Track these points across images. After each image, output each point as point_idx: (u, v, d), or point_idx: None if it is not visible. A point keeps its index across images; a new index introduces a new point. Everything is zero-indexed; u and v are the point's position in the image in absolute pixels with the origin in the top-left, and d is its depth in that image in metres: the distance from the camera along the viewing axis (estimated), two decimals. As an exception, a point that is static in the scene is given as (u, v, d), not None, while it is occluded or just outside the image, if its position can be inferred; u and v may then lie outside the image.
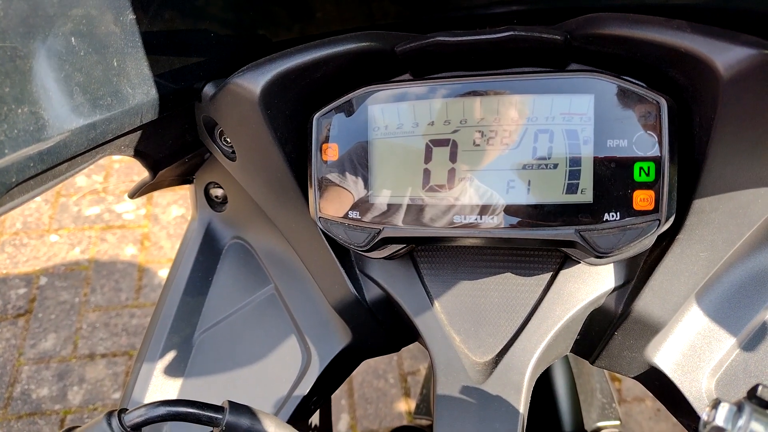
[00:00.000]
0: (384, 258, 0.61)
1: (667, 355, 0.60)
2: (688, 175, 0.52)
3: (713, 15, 0.51)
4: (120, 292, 2.51)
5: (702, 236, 0.54)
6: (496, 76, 0.54)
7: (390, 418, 2.14)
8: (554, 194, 0.52)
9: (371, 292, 0.66)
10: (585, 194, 0.51)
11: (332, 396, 0.83)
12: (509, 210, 0.53)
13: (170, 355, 0.73)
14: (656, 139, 0.49)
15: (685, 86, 0.50)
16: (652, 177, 0.49)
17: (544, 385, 1.04)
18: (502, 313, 0.60)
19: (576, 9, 0.54)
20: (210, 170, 0.77)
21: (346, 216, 0.58)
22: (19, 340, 2.37)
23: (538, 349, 0.58)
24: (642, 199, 0.50)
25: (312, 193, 0.60)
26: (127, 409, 0.49)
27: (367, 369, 2.25)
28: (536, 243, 0.55)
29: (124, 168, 2.96)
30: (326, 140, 0.58)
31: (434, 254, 0.63)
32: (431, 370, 0.62)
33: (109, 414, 0.48)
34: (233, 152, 0.65)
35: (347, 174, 0.58)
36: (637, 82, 0.51)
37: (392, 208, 0.57)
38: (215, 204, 0.79)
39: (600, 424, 1.07)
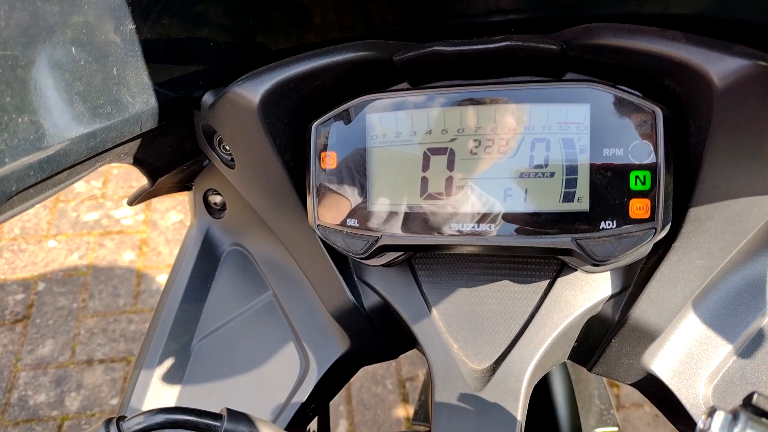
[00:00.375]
0: (382, 265, 0.62)
1: (664, 362, 0.60)
2: (684, 184, 0.52)
3: (708, 26, 0.51)
4: (118, 297, 2.50)
5: (698, 244, 0.54)
6: (494, 85, 0.55)
7: (388, 425, 2.14)
8: (551, 202, 0.52)
9: (369, 300, 0.66)
10: (581, 202, 0.51)
11: (330, 402, 0.83)
12: (506, 218, 0.54)
13: (168, 362, 0.73)
14: (652, 147, 0.49)
15: (680, 96, 0.50)
16: (648, 185, 0.50)
17: (542, 391, 1.04)
18: (500, 320, 0.61)
19: (572, 18, 0.54)
20: (209, 177, 0.77)
21: (344, 223, 0.59)
22: (16, 346, 2.36)
23: (536, 356, 0.58)
24: (638, 208, 0.50)
25: (310, 201, 0.60)
26: (125, 417, 0.49)
27: (365, 375, 2.25)
28: (533, 251, 0.55)
29: (123, 174, 2.96)
30: (324, 148, 0.59)
31: (432, 262, 0.64)
32: (429, 377, 0.62)
33: (108, 421, 0.48)
34: (232, 160, 0.66)
35: (345, 182, 0.58)
36: (632, 91, 0.51)
37: (390, 215, 0.57)
38: (214, 211, 0.80)
39: (598, 430, 1.06)
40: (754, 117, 0.47)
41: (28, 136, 0.43)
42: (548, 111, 0.52)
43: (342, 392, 2.21)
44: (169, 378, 0.73)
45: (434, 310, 0.62)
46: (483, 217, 0.54)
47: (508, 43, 0.52)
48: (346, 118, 0.58)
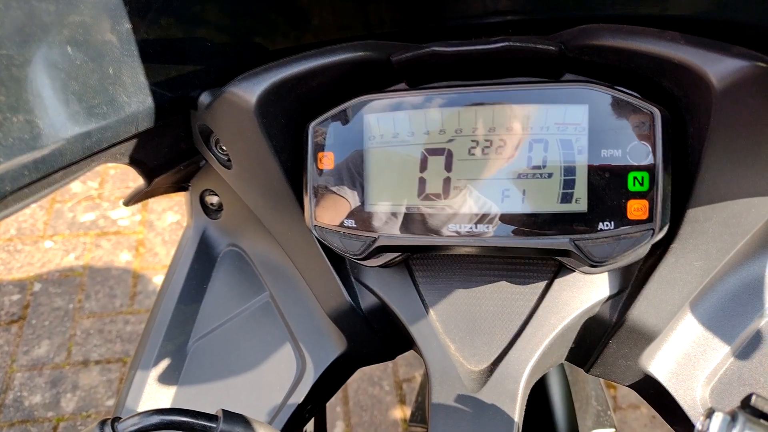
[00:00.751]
0: (379, 266, 0.61)
1: (661, 363, 0.60)
2: (682, 185, 0.52)
3: (706, 27, 0.51)
4: (114, 298, 2.50)
5: (696, 245, 0.54)
6: (492, 86, 0.55)
7: (385, 426, 2.14)
8: (549, 203, 0.52)
9: (366, 300, 0.66)
10: (579, 203, 0.51)
11: (327, 403, 0.83)
12: (504, 219, 0.53)
13: (164, 363, 0.73)
14: (650, 149, 0.49)
15: (678, 97, 0.50)
16: (646, 186, 0.50)
17: (539, 392, 1.04)
18: (498, 321, 0.60)
19: (571, 20, 0.54)
20: (205, 178, 0.77)
21: (341, 224, 0.58)
22: (12, 347, 2.36)
23: (533, 357, 0.58)
24: (636, 209, 0.50)
25: (307, 202, 0.60)
26: (120, 418, 0.49)
27: (362, 376, 2.25)
28: (531, 252, 0.55)
29: (120, 174, 2.95)
30: (322, 149, 0.59)
31: (430, 262, 0.64)
32: (426, 378, 0.62)
33: (102, 422, 0.48)
34: (229, 160, 0.65)
35: (343, 182, 0.58)
36: (631, 92, 0.51)
37: (388, 216, 0.57)
38: (210, 211, 0.79)
39: (595, 431, 1.06)
40: (753, 118, 0.47)
41: (23, 136, 0.43)
42: (546, 112, 0.52)
43: (339, 393, 2.20)
44: (165, 379, 0.72)
45: (431, 311, 0.62)
46: (481, 218, 0.54)
47: (506, 43, 0.52)
48: (343, 118, 0.58)
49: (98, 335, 2.39)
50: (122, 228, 2.74)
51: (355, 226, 0.58)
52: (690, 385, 0.59)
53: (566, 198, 0.52)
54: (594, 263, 0.52)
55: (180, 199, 2.81)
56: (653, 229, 0.50)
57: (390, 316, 0.65)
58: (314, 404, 0.72)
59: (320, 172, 0.59)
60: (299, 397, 0.68)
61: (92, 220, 2.77)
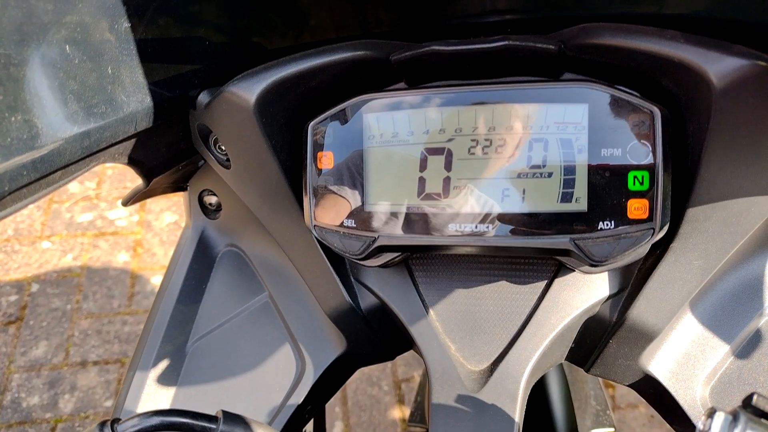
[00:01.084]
0: (379, 266, 0.61)
1: (661, 363, 0.60)
2: (682, 184, 0.52)
3: (706, 26, 0.51)
4: (112, 299, 2.49)
5: (696, 245, 0.54)
6: (491, 85, 0.55)
7: (384, 426, 2.14)
8: (549, 203, 0.52)
9: (366, 300, 0.66)
10: (579, 203, 0.51)
11: (326, 404, 0.82)
12: (504, 218, 0.53)
13: (163, 364, 0.73)
14: (650, 148, 0.49)
15: (678, 96, 0.50)
16: (646, 186, 0.49)
17: (538, 392, 1.04)
18: (498, 321, 0.60)
19: (570, 19, 0.54)
20: (204, 178, 0.76)
21: (341, 224, 0.58)
22: (9, 348, 2.35)
23: (534, 357, 0.58)
24: (636, 208, 0.50)
25: (307, 201, 0.60)
26: (119, 419, 0.49)
27: (361, 376, 2.24)
28: (531, 251, 0.55)
29: (117, 174, 2.95)
30: (321, 148, 0.58)
31: (429, 262, 0.63)
32: (426, 378, 0.62)
33: (102, 424, 0.48)
34: (228, 160, 0.65)
35: (342, 182, 0.58)
36: (630, 91, 0.51)
37: (387, 216, 0.57)
38: (209, 211, 0.79)
39: (594, 431, 1.06)
40: (753, 117, 0.47)
41: (21, 136, 0.42)
42: (546, 111, 0.52)
43: (337, 394, 2.20)
44: (164, 380, 0.72)
45: (431, 311, 0.62)
46: (481, 218, 0.54)
47: (505, 42, 0.52)
48: (342, 117, 0.58)
49: (96, 336, 2.38)
50: (120, 228, 2.74)
51: (354, 225, 0.58)
52: (690, 384, 0.59)
53: (566, 197, 0.52)
54: (594, 263, 0.52)
55: (178, 199, 2.80)
56: (653, 229, 0.50)
57: (390, 316, 0.65)
58: (314, 405, 0.72)
59: (320, 171, 0.59)
60: (299, 397, 0.68)
61: (90, 221, 2.76)
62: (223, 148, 0.65)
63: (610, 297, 0.59)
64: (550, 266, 0.60)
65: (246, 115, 0.57)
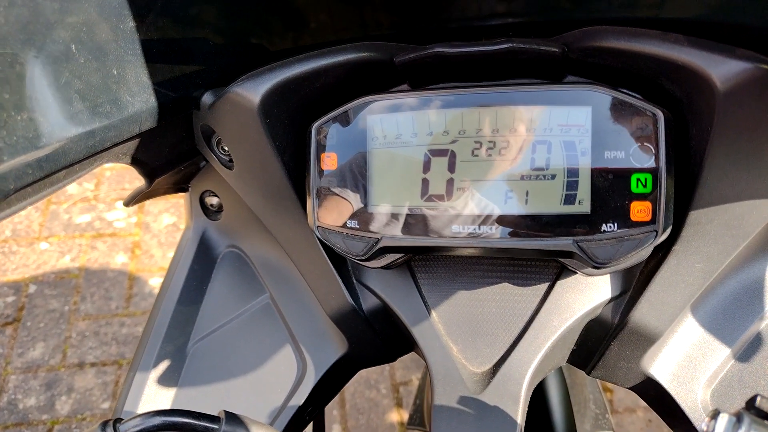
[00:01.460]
0: (381, 267, 0.61)
1: (663, 365, 0.60)
2: (685, 187, 0.53)
3: (709, 29, 0.51)
4: (110, 300, 2.49)
5: (698, 247, 0.54)
6: (495, 87, 0.55)
7: (382, 429, 2.13)
8: (552, 205, 0.52)
9: (368, 302, 0.66)
10: (583, 205, 0.51)
11: (325, 407, 0.82)
12: (507, 220, 0.53)
13: (164, 365, 0.73)
14: (653, 150, 0.49)
15: (681, 99, 0.51)
16: (649, 188, 0.50)
17: (538, 395, 1.04)
18: (500, 323, 0.60)
19: (572, 22, 0.54)
20: (206, 179, 0.76)
21: (344, 225, 0.58)
22: (6, 349, 2.34)
23: (536, 359, 0.58)
24: (639, 210, 0.50)
25: (310, 202, 0.60)
26: (122, 419, 0.48)
27: (359, 379, 2.24)
28: (534, 253, 0.55)
29: (116, 176, 2.94)
30: (324, 149, 0.59)
31: (432, 264, 0.63)
32: (428, 380, 0.62)
33: (104, 424, 0.47)
34: (230, 161, 0.65)
35: (346, 183, 0.58)
36: (634, 94, 0.51)
37: (391, 217, 0.57)
38: (210, 212, 0.79)
39: (593, 434, 1.06)
40: (756, 120, 0.47)
41: (26, 134, 0.42)
42: (550, 113, 0.52)
43: (336, 397, 2.20)
44: (165, 380, 0.72)
45: (434, 313, 0.62)
46: (484, 220, 0.54)
47: (509, 45, 0.52)
48: (346, 119, 0.58)
49: (94, 337, 2.38)
50: (118, 230, 2.74)
51: (357, 226, 0.58)
52: (691, 387, 0.59)
53: (569, 199, 0.52)
54: (597, 265, 0.52)
55: (176, 201, 2.80)
56: (656, 231, 0.50)
57: (392, 318, 0.65)
58: (315, 406, 0.72)
59: (323, 172, 0.59)
60: (300, 399, 0.68)
61: (88, 222, 2.76)
62: (226, 148, 0.65)
63: (612, 299, 0.59)
64: (552, 269, 0.60)
65: (250, 116, 0.57)
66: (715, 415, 0.38)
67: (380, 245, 0.57)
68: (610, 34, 0.50)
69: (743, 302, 0.59)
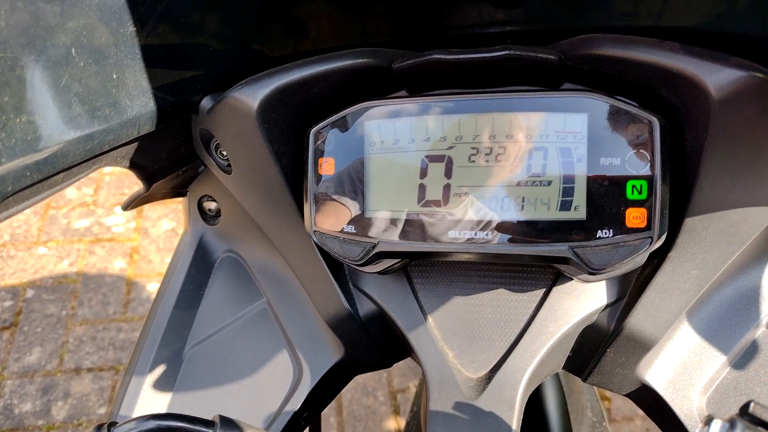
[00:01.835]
0: (378, 273, 0.61)
1: (658, 372, 0.60)
2: (680, 194, 0.53)
3: (704, 38, 0.52)
4: (108, 305, 2.48)
5: (693, 254, 0.54)
6: (492, 94, 0.55)
7: (379, 437, 2.12)
8: (548, 211, 0.52)
9: (364, 307, 0.66)
10: (578, 211, 0.52)
11: (321, 413, 0.82)
12: (503, 226, 0.54)
13: (160, 369, 0.73)
14: (648, 157, 0.50)
15: (677, 106, 0.51)
16: (644, 195, 0.50)
17: (535, 403, 1.03)
18: (496, 329, 0.60)
19: (569, 30, 0.55)
20: (204, 183, 0.77)
21: (341, 230, 0.58)
22: (2, 354, 2.33)
23: (531, 365, 0.58)
24: (634, 217, 0.50)
25: (307, 207, 0.60)
26: (116, 423, 0.48)
27: (356, 386, 2.23)
28: (530, 259, 0.55)
29: (115, 181, 2.95)
30: (322, 155, 0.59)
31: (428, 269, 0.64)
32: (424, 385, 0.62)
33: (99, 427, 0.47)
34: (229, 165, 0.65)
35: (343, 188, 0.58)
36: (629, 101, 0.51)
37: (387, 222, 0.57)
38: (208, 217, 0.79)
39: (590, 442, 1.06)
40: (750, 128, 0.47)
41: (25, 137, 0.43)
42: (546, 120, 0.53)
43: (332, 403, 2.19)
44: (161, 385, 0.72)
45: (430, 318, 0.62)
46: (480, 225, 0.54)
47: (507, 52, 0.52)
48: (344, 124, 0.58)
49: (91, 342, 2.37)
50: (116, 235, 2.73)
51: (354, 231, 0.58)
52: (687, 394, 0.59)
53: (565, 206, 0.52)
54: (592, 271, 0.52)
55: (175, 206, 2.80)
56: (651, 238, 0.50)
57: (388, 323, 0.65)
58: (310, 412, 0.72)
59: (320, 177, 0.59)
60: (296, 404, 0.68)
61: (86, 227, 2.76)
62: (224, 153, 0.65)
63: (607, 306, 0.59)
64: (548, 274, 0.61)
65: (248, 121, 0.57)
66: (708, 421, 0.38)
67: (377, 250, 0.57)
68: (606, 42, 0.51)
69: (739, 309, 0.59)
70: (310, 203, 0.59)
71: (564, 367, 0.66)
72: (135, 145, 0.58)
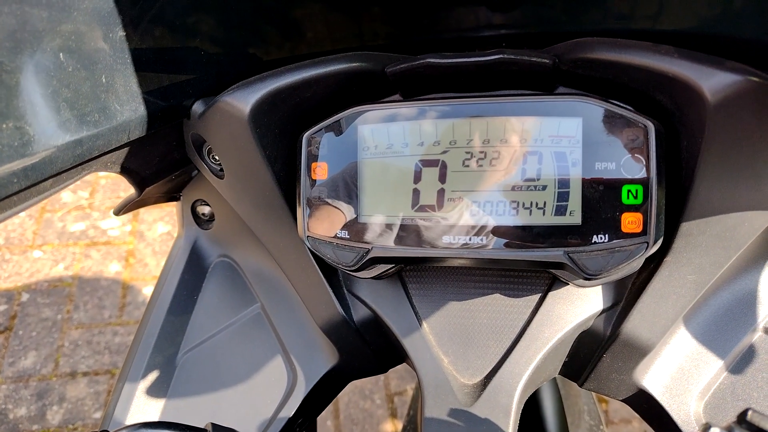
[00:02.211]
0: (372, 278, 0.61)
1: (655, 377, 0.59)
2: (676, 198, 0.52)
3: (699, 41, 0.51)
4: (103, 309, 2.47)
5: (689, 259, 0.54)
6: (486, 98, 0.55)
7: (376, 440, 2.12)
8: (543, 216, 0.52)
9: (359, 313, 0.65)
10: (573, 216, 0.51)
11: (318, 417, 0.82)
12: (498, 231, 0.53)
13: (153, 375, 0.72)
14: (644, 162, 0.49)
15: (672, 111, 0.51)
16: (640, 200, 0.49)
17: (532, 407, 1.03)
18: (491, 334, 0.60)
19: (564, 34, 0.54)
20: (197, 188, 0.76)
21: (334, 236, 0.58)
22: (-2, 358, 2.32)
23: (527, 371, 0.57)
24: (630, 222, 0.50)
25: (300, 212, 0.59)
26: (108, 431, 0.48)
27: (353, 389, 2.23)
28: (525, 264, 0.55)
29: (111, 184, 2.94)
30: (315, 159, 0.58)
31: (423, 275, 0.63)
32: (419, 391, 0.61)
33: (90, 436, 0.47)
34: (221, 170, 0.65)
35: (336, 193, 0.58)
36: (624, 105, 0.51)
37: (381, 227, 0.56)
38: (202, 222, 0.79)
39: (588, 446, 1.06)
40: (746, 132, 0.47)
41: (12, 143, 0.42)
42: (540, 124, 0.52)
43: (329, 407, 2.18)
44: (154, 391, 0.71)
45: (425, 324, 0.61)
46: (475, 230, 0.54)
47: (501, 56, 0.52)
48: (337, 129, 0.58)
49: (86, 346, 2.36)
50: (112, 238, 2.72)
51: (348, 237, 0.57)
52: (684, 399, 0.58)
53: (560, 210, 0.52)
54: (588, 276, 0.51)
55: (171, 209, 2.79)
56: (647, 243, 0.50)
57: (383, 329, 0.64)
58: (305, 418, 0.71)
59: (314, 182, 0.58)
60: (290, 410, 0.67)
61: (82, 230, 2.75)
62: (216, 158, 0.65)
63: (603, 311, 0.59)
64: (543, 280, 0.60)
65: (240, 125, 0.57)
66: (706, 429, 0.38)
67: (371, 255, 0.56)
68: (601, 45, 0.50)
69: (736, 314, 0.59)
70: (303, 208, 0.59)
71: (560, 373, 0.66)
72: (126, 150, 0.57)
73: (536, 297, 0.60)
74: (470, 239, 0.54)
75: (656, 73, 0.48)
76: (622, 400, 0.63)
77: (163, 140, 0.63)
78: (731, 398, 0.58)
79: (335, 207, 0.58)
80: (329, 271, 0.65)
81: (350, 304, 0.65)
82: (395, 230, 0.56)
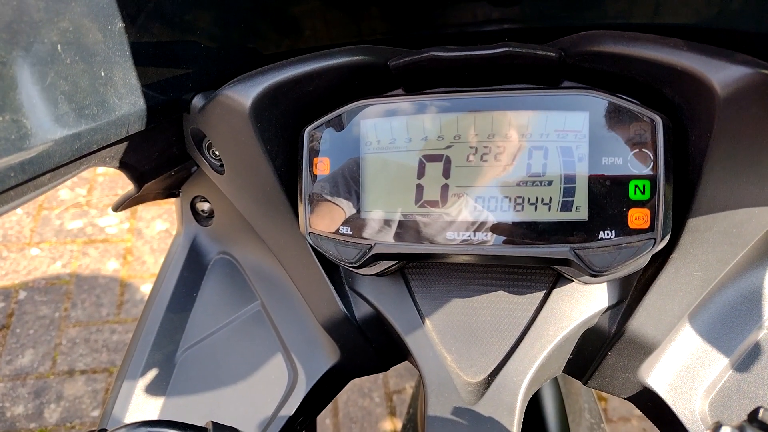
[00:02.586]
0: (374, 275, 0.60)
1: (660, 375, 0.59)
2: (683, 194, 0.52)
3: (706, 35, 0.51)
4: (101, 307, 2.46)
5: (696, 256, 0.53)
6: (490, 92, 0.54)
7: (375, 438, 2.11)
8: (548, 211, 0.51)
9: (361, 310, 0.64)
10: (580, 212, 0.50)
11: (317, 417, 0.81)
12: (503, 227, 0.52)
13: (152, 373, 0.71)
14: (651, 157, 0.49)
15: (680, 105, 0.50)
16: (647, 195, 0.49)
17: (533, 405, 1.02)
18: (495, 332, 0.59)
19: (568, 28, 0.53)
20: (197, 184, 0.75)
21: (336, 231, 0.57)
22: (-5, 356, 2.31)
23: (531, 369, 0.57)
24: (637, 218, 0.49)
25: (302, 208, 0.58)
26: (106, 429, 0.47)
27: (352, 388, 2.22)
28: (530, 261, 0.54)
29: (108, 181, 2.92)
30: (317, 154, 0.58)
31: (426, 271, 0.62)
32: (422, 389, 0.61)
33: (88, 435, 0.46)
34: (221, 165, 0.64)
35: (338, 189, 0.57)
36: (631, 99, 0.50)
37: (384, 223, 0.56)
38: (201, 218, 0.78)
39: (589, 444, 1.05)
40: (756, 126, 0.46)
41: (9, 136, 0.41)
42: (546, 119, 0.51)
43: (328, 405, 2.18)
44: (153, 389, 0.70)
45: (427, 321, 0.61)
46: (479, 226, 0.53)
47: (506, 49, 0.51)
48: (339, 123, 0.57)
49: (84, 344, 2.35)
50: (110, 236, 2.71)
51: (350, 233, 0.57)
52: (689, 397, 0.58)
53: (566, 206, 0.51)
54: (594, 273, 0.51)
55: (169, 207, 2.78)
56: (654, 239, 0.49)
57: (385, 326, 0.64)
58: (306, 416, 0.70)
59: (315, 178, 0.58)
60: (290, 409, 0.67)
61: (80, 228, 2.74)
62: (216, 153, 0.64)
63: (609, 308, 0.58)
64: (548, 276, 0.59)
65: (241, 120, 0.56)
66: (717, 427, 0.37)
67: (373, 252, 0.56)
68: (608, 38, 0.49)
69: (741, 311, 0.58)
70: (304, 204, 0.58)
71: (564, 371, 0.65)
72: (124, 144, 0.56)
73: (540, 294, 0.59)
74: (474, 235, 0.53)
75: (665, 66, 0.47)
76: (626, 399, 0.63)
77: (163, 135, 0.62)
78: (737, 396, 0.57)
79: (337, 203, 0.57)
80: (330, 267, 0.64)
81: (352, 301, 0.65)
82: (398, 226, 0.55)
